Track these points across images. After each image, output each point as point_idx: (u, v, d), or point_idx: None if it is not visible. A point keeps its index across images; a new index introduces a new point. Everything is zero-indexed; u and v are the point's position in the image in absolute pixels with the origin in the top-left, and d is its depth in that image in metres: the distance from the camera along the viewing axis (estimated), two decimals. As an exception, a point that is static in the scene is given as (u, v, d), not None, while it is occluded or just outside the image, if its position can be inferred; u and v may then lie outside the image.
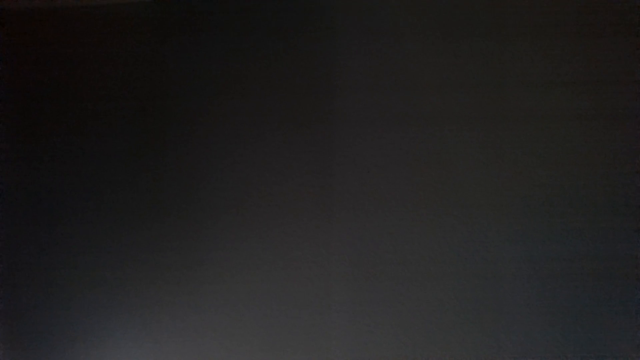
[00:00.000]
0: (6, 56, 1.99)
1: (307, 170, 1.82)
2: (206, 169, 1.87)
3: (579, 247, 1.69)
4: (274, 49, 1.87)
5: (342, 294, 1.77)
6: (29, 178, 1.95)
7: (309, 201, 1.81)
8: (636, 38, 1.71)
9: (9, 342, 1.92)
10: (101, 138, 1.93)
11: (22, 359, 1.91)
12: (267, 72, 1.87)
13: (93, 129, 1.94)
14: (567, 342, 1.68)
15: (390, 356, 1.74)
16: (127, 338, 1.86)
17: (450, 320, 1.73)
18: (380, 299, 1.76)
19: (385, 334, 1.75)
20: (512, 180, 1.73)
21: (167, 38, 1.92)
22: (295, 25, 1.86)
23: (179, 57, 1.91)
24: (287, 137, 1.84)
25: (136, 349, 1.85)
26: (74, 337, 1.89)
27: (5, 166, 1.97)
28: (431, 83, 1.79)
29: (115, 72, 1.94)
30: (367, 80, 1.81)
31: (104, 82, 1.95)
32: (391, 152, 1.79)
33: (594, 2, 1.74)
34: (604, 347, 1.66)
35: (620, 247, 1.67)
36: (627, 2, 1.72)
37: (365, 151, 1.80)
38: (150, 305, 1.86)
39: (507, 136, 1.74)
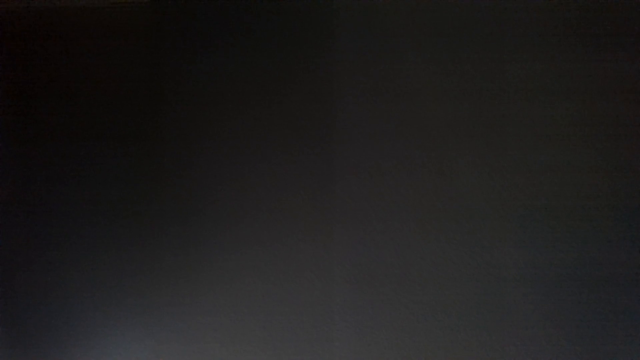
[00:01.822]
0: (3, 56, 1.98)
1: (308, 175, 1.82)
2: (207, 171, 1.87)
3: (581, 252, 1.70)
4: (274, 54, 1.86)
5: (344, 297, 1.78)
6: (29, 178, 1.95)
7: (311, 206, 1.81)
8: (637, 46, 1.72)
9: (9, 343, 1.92)
10: (100, 139, 1.92)
11: (21, 358, 1.91)
12: (266, 78, 1.86)
13: (92, 129, 1.93)
14: (571, 347, 1.69)
15: (395, 359, 1.75)
16: (128, 338, 1.87)
17: (453, 325, 1.73)
18: (383, 303, 1.76)
19: (387, 338, 1.76)
20: (513, 187, 1.74)
21: (166, 40, 1.92)
22: (296, 31, 1.86)
23: (178, 60, 1.91)
24: (288, 142, 1.84)
25: (137, 349, 1.86)
26: (74, 338, 1.89)
27: (4, 166, 1.96)
28: (432, 90, 1.79)
29: (113, 74, 1.94)
30: (367, 88, 1.81)
31: (101, 83, 1.94)
32: (392, 158, 1.79)
33: (595, 10, 1.74)
34: (607, 352, 1.67)
35: (623, 253, 1.68)
36: (628, 10, 1.72)
37: (366, 157, 1.80)
38: (151, 305, 1.86)
39: (508, 143, 1.75)
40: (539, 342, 1.70)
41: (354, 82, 1.82)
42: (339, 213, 1.80)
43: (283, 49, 1.86)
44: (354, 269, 1.78)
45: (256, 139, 1.86)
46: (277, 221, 1.82)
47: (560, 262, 1.71)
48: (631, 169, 1.70)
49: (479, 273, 1.73)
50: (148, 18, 1.93)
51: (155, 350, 1.85)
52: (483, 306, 1.72)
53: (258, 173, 1.84)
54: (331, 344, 1.77)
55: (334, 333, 1.77)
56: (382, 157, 1.79)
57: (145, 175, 1.90)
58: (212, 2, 1.90)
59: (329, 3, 1.85)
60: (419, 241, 1.76)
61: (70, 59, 1.96)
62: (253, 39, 1.88)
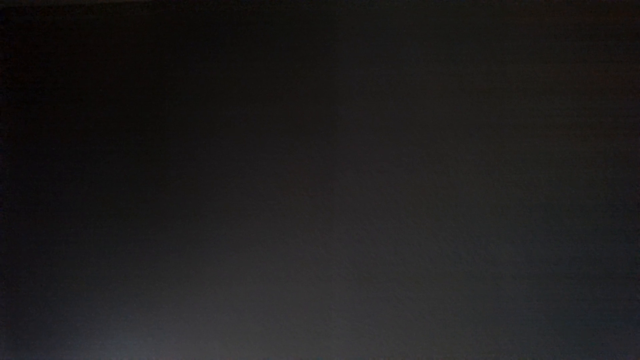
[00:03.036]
0: (5, 56, 1.99)
1: (308, 174, 1.82)
2: (208, 170, 1.87)
3: (578, 249, 1.70)
4: (276, 54, 1.87)
5: (342, 294, 1.78)
6: (31, 178, 1.95)
7: (311, 204, 1.81)
8: (636, 45, 1.72)
9: (11, 340, 1.92)
10: (102, 138, 1.93)
11: (23, 357, 1.91)
12: (268, 78, 1.87)
13: (94, 129, 1.93)
14: (567, 343, 1.69)
15: (390, 356, 1.75)
16: (129, 336, 1.86)
17: (451, 321, 1.73)
18: (381, 299, 1.76)
19: (385, 334, 1.76)
20: (511, 184, 1.74)
21: (168, 40, 1.92)
22: (297, 31, 1.86)
23: (179, 60, 1.91)
24: (289, 140, 1.84)
25: (138, 347, 1.86)
26: (76, 335, 1.89)
27: (5, 166, 1.96)
28: (432, 89, 1.79)
29: (115, 72, 1.94)
30: (368, 87, 1.81)
31: (103, 82, 1.94)
32: (392, 157, 1.79)
33: (595, 10, 1.74)
34: (603, 349, 1.67)
35: (619, 249, 1.68)
36: (629, 9, 1.72)
37: (366, 155, 1.80)
38: (153, 304, 1.86)
39: (507, 141, 1.75)
40: (536, 338, 1.70)
41: (355, 81, 1.82)
42: (338, 211, 1.80)
43: (285, 48, 1.87)
44: (352, 267, 1.78)
45: (257, 137, 1.86)
46: (277, 219, 1.82)
47: (557, 259, 1.70)
48: (629, 167, 1.70)
49: (476, 270, 1.73)
50: (151, 18, 1.94)
51: (156, 348, 1.85)
52: (480, 302, 1.72)
53: (259, 172, 1.84)
54: (329, 341, 1.77)
55: (332, 330, 1.77)
56: (381, 155, 1.79)
57: (146, 174, 1.90)
58: (214, 1, 1.91)
59: (331, 3, 1.85)
60: (417, 238, 1.76)
61: (72, 57, 1.96)
62: (255, 38, 1.88)
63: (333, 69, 1.83)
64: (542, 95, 1.74)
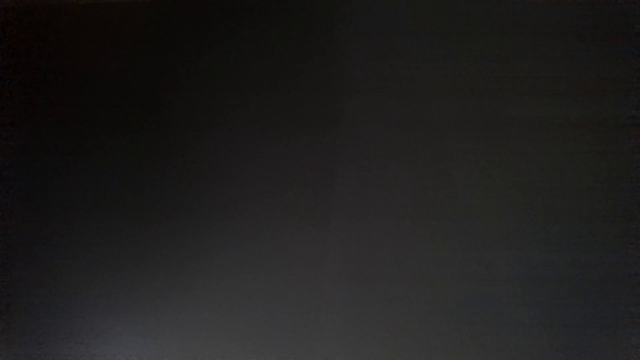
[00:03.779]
0: (5, 54, 2.01)
1: (307, 171, 1.83)
2: (205, 168, 1.88)
3: (576, 254, 1.69)
4: (277, 51, 1.88)
5: (336, 294, 1.78)
6: (30, 173, 1.96)
7: (308, 202, 1.82)
8: (636, 45, 1.71)
9: (7, 339, 1.93)
10: (101, 136, 1.94)
11: (20, 356, 1.92)
12: (269, 74, 1.87)
13: (93, 127, 1.95)
14: (563, 348, 1.67)
15: (382, 357, 1.74)
16: (126, 335, 1.87)
17: (445, 324, 1.72)
18: (375, 300, 1.76)
19: (378, 335, 1.75)
20: (511, 186, 1.73)
21: (167, 38, 1.93)
22: (299, 27, 1.87)
23: (180, 52, 1.92)
24: (289, 138, 1.85)
25: (134, 345, 1.86)
26: (73, 334, 1.90)
27: (5, 164, 1.98)
28: (434, 88, 1.80)
29: (115, 72, 1.96)
30: (370, 83, 1.82)
31: (103, 81, 1.96)
32: (392, 155, 1.79)
33: (596, 9, 1.74)
34: (600, 354, 1.66)
35: (618, 254, 1.67)
36: (628, 9, 1.72)
37: (366, 153, 1.80)
38: (148, 302, 1.87)
39: (508, 142, 1.75)
40: (531, 343, 1.68)
41: (357, 78, 1.83)
42: (336, 209, 1.80)
43: (287, 43, 1.88)
44: (347, 266, 1.78)
45: (257, 131, 1.87)
46: (274, 217, 1.83)
47: (554, 263, 1.69)
48: (628, 170, 1.69)
49: (473, 271, 1.72)
50: (152, 11, 1.95)
51: (152, 346, 1.85)
52: (475, 306, 1.71)
53: (257, 166, 1.85)
54: (322, 340, 1.77)
55: (325, 329, 1.77)
56: (382, 153, 1.80)
57: (144, 169, 1.91)
58: None
59: None
60: (414, 239, 1.76)
61: (73, 55, 1.98)
62: (257, 34, 1.89)
63: (335, 65, 1.84)
64: (543, 97, 1.74)
